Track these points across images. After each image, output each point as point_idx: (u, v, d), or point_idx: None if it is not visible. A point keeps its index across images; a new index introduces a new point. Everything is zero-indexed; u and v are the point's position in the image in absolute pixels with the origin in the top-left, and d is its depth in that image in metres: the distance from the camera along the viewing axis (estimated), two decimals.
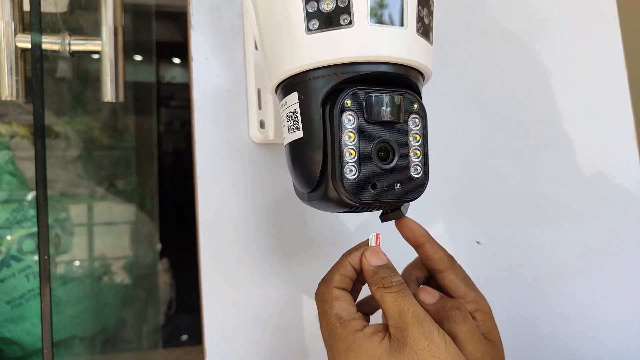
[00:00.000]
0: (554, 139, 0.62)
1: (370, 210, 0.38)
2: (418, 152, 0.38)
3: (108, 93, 0.59)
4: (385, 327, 0.36)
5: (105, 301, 0.90)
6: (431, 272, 0.42)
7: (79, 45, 0.58)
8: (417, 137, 0.38)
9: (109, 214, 1.00)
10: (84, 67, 0.99)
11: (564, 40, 0.64)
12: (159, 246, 1.19)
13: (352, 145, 0.36)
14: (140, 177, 1.14)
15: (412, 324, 0.34)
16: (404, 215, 0.40)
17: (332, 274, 0.38)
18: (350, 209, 0.37)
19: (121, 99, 0.61)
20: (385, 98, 0.36)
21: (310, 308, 0.52)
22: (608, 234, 0.62)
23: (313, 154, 0.37)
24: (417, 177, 0.38)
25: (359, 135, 0.36)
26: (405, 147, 0.37)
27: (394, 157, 0.37)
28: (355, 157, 0.36)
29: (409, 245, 0.42)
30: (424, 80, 0.40)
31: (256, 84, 0.50)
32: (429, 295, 0.39)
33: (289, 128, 0.39)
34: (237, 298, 0.49)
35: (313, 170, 0.37)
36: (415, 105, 0.38)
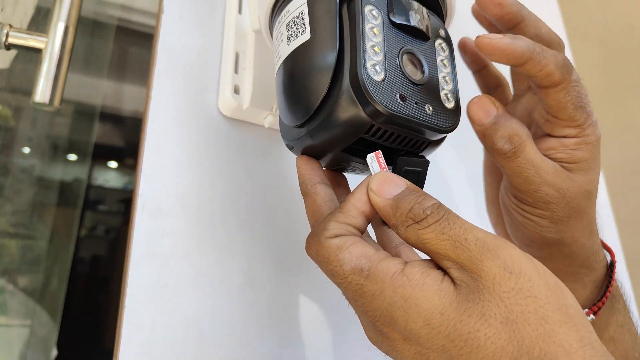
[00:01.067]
0: None
1: (389, 146, 0.29)
2: (447, 79, 0.31)
3: (43, 94, 0.49)
4: (436, 264, 0.25)
5: None
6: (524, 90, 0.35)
7: (20, 38, 0.48)
8: (446, 63, 0.31)
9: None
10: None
11: None
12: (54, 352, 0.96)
13: (377, 42, 0.28)
14: (46, 275, 0.95)
15: (481, 258, 0.23)
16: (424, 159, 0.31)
17: (325, 223, 0.27)
18: (367, 133, 0.28)
19: (56, 103, 0.50)
20: (414, 3, 0.30)
21: (281, 328, 0.38)
22: None
23: (322, 56, 0.28)
24: (450, 107, 0.30)
25: (385, 36, 0.28)
26: (434, 68, 0.30)
27: (423, 72, 0.29)
28: (381, 58, 0.28)
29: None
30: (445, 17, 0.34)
31: (235, 48, 0.42)
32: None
33: (289, 38, 0.31)
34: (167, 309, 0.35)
35: (319, 80, 0.28)
36: (442, 31, 0.32)
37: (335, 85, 0.28)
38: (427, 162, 0.31)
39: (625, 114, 1.00)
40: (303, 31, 0.30)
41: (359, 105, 0.27)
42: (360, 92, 0.27)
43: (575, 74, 0.30)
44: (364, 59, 0.27)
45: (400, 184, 0.27)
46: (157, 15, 0.42)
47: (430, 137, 0.29)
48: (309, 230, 0.28)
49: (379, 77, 0.27)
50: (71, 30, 0.52)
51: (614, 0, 1.03)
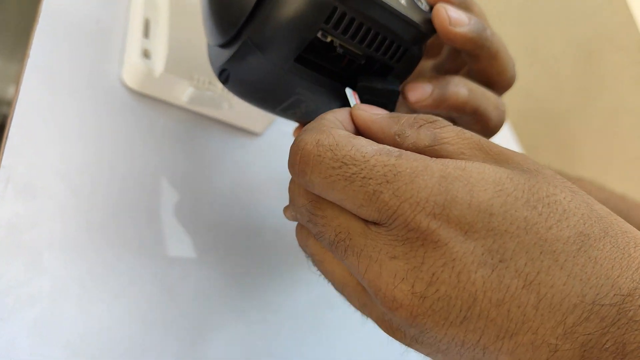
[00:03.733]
0: None
1: (350, 49, 0.22)
2: None
3: None
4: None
5: None
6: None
7: None
8: None
9: None
10: None
11: None
12: None
13: None
14: None
15: (512, 153, 0.19)
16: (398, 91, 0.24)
17: (320, 120, 0.20)
18: (327, 21, 0.21)
19: None
20: None
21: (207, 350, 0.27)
22: None
23: None
24: (423, 8, 0.24)
25: None
26: None
27: None
28: None
29: None
30: None
31: (144, 14, 0.34)
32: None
33: None
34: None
35: None
36: None
37: None
38: (397, 92, 0.24)
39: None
40: None
41: None
42: None
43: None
44: None
45: (383, 111, 0.22)
46: None
47: (406, 36, 0.23)
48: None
49: None
50: None
51: None
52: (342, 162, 0.18)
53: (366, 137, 0.20)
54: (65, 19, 0.33)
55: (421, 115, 0.20)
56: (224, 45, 0.23)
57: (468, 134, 0.19)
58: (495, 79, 0.27)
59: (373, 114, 0.21)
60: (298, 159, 0.19)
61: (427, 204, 0.17)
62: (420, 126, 0.19)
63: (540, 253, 0.16)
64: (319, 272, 0.22)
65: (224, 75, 0.24)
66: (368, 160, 0.17)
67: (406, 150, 0.19)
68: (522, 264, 0.16)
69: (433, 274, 0.16)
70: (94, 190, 0.28)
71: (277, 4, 0.21)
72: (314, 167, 0.18)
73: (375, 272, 0.17)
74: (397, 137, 0.20)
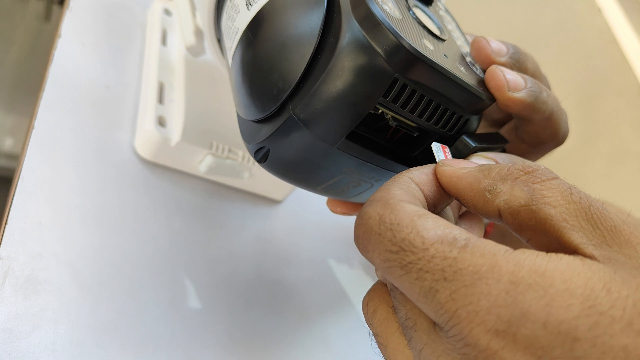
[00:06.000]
0: None
1: (406, 122, 0.20)
2: (465, 48, 0.23)
3: None
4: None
5: None
6: None
7: None
8: (457, 34, 0.24)
9: None
10: None
11: None
12: None
13: None
14: None
15: (627, 230, 0.14)
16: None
17: (388, 189, 0.17)
18: (386, 95, 0.18)
19: None
20: None
21: None
22: None
23: (305, 5, 0.20)
24: (479, 75, 0.21)
25: None
26: (447, 33, 0.22)
27: (439, 29, 0.21)
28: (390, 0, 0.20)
29: None
30: None
31: (159, 78, 0.32)
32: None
33: (248, 3, 0.22)
34: None
35: (305, 29, 0.19)
36: (439, 3, 0.25)
37: (330, 32, 0.19)
38: (503, 139, 0.21)
39: None
40: None
41: (376, 47, 0.17)
42: (377, 28, 0.17)
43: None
44: None
45: (473, 164, 0.18)
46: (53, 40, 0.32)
47: (468, 107, 0.20)
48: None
49: (395, 14, 0.19)
50: None
51: None
52: (399, 246, 0.15)
53: (455, 197, 0.17)
54: (72, 86, 0.31)
55: (517, 165, 0.16)
56: (262, 121, 0.20)
57: (577, 195, 0.15)
58: (547, 139, 0.24)
59: (460, 168, 0.17)
60: (361, 234, 0.16)
61: (489, 316, 0.13)
62: (516, 179, 0.16)
63: None
64: (380, 353, 0.19)
65: (261, 154, 0.21)
66: (427, 249, 0.14)
67: (497, 210, 0.16)
68: None
69: None
70: (103, 281, 0.25)
71: (329, 75, 0.18)
72: (375, 247, 0.15)
73: None
74: (487, 193, 0.16)
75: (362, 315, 0.18)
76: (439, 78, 0.18)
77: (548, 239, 0.15)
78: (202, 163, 0.30)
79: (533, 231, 0.15)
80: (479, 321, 0.13)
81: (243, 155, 0.31)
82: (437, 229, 0.14)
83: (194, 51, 0.29)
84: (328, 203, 0.26)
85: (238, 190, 0.34)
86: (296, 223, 0.35)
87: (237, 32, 0.22)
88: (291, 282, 0.32)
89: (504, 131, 0.25)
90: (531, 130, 0.23)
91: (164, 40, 0.35)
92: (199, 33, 0.29)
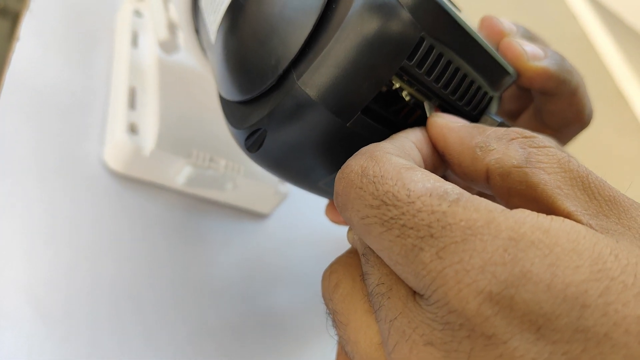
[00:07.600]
0: None
1: (425, 91, 0.17)
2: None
3: None
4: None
5: None
6: None
7: None
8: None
9: None
10: None
11: None
12: None
13: None
14: None
15: (626, 203, 0.13)
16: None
17: (378, 143, 0.15)
18: (411, 57, 0.15)
19: None
20: None
21: None
22: None
23: None
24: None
25: None
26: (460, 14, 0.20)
27: (455, 6, 0.19)
28: None
29: None
30: None
31: (130, 83, 0.29)
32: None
33: None
34: None
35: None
36: None
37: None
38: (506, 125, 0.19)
39: None
40: None
41: (399, 2, 0.15)
42: None
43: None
44: None
45: (467, 122, 0.17)
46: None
47: (494, 82, 0.18)
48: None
49: None
50: None
51: None
52: (381, 200, 0.13)
53: (441, 150, 0.16)
54: (34, 92, 0.28)
55: (515, 129, 0.15)
56: (254, 100, 0.17)
57: (575, 164, 0.13)
58: (572, 120, 0.22)
59: (452, 121, 0.16)
60: (340, 190, 0.14)
61: (482, 275, 0.11)
62: (512, 139, 0.14)
63: None
64: (335, 335, 0.16)
65: (253, 140, 0.17)
66: (413, 202, 0.12)
67: (485, 170, 0.14)
68: None
69: None
70: (70, 311, 0.22)
71: (342, 35, 0.15)
72: (354, 203, 0.13)
73: (403, 355, 0.12)
74: (478, 149, 0.15)
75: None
76: (469, 42, 0.16)
77: (539, 206, 0.13)
78: (180, 174, 0.27)
79: (522, 197, 0.13)
80: (469, 281, 0.11)
81: (226, 164, 0.28)
82: (425, 182, 0.13)
83: (168, 47, 0.26)
84: (327, 212, 0.23)
85: (220, 204, 0.31)
86: (286, 238, 0.32)
87: (218, 12, 0.20)
88: (284, 305, 0.29)
89: (521, 122, 0.23)
90: (556, 109, 0.21)
91: (134, 42, 0.32)
92: (172, 27, 0.26)
